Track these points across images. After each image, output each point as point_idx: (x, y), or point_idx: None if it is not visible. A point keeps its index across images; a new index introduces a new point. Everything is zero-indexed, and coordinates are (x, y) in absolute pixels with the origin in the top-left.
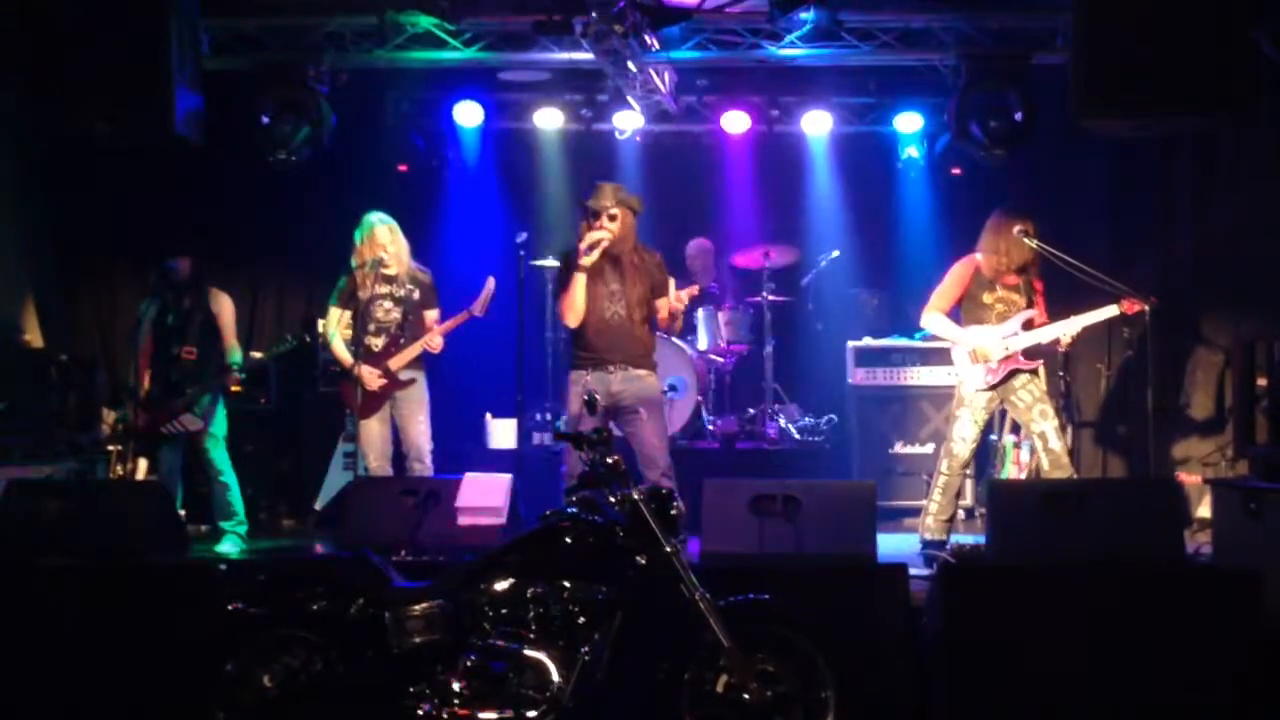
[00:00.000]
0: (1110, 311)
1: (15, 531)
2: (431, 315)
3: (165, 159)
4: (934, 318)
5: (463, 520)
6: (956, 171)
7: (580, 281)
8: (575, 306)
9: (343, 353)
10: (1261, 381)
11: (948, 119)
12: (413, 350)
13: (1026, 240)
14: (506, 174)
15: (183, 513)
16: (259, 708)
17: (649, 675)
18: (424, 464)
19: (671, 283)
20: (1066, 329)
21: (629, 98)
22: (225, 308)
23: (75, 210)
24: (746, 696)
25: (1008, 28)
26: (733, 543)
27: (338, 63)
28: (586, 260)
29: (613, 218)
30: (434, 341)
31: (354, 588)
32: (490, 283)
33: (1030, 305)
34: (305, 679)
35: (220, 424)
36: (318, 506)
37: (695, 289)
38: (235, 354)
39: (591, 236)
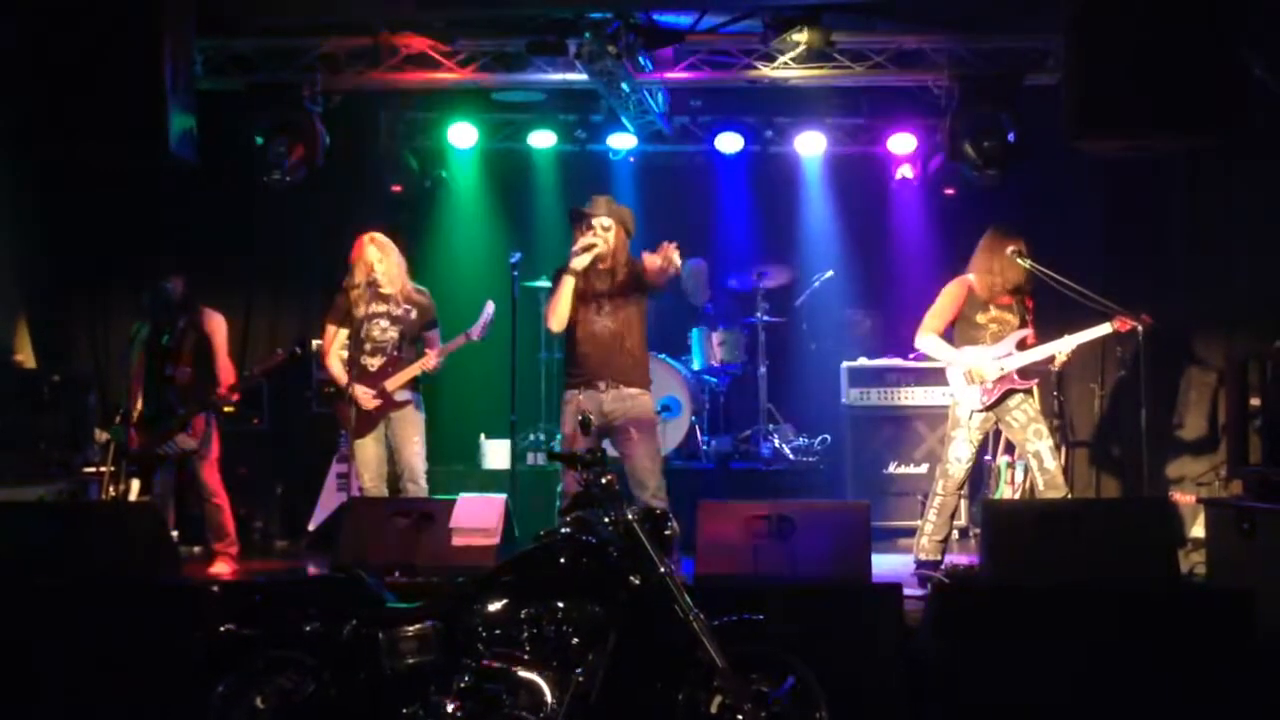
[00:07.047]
0: (1103, 329)
1: (7, 552)
2: (432, 336)
3: (159, 179)
4: (928, 339)
5: (457, 541)
6: (950, 192)
7: (568, 285)
8: (559, 311)
9: (338, 372)
10: (1255, 401)
11: (941, 139)
12: (409, 371)
13: (1019, 260)
14: (500, 195)
15: (175, 534)
16: None
17: (643, 696)
18: (418, 485)
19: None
20: (1060, 347)
21: (623, 118)
22: (218, 328)
23: (69, 230)
24: (740, 717)
25: (1000, 49)
26: (727, 563)
27: (332, 83)
28: (577, 262)
29: (605, 228)
30: (430, 363)
31: (347, 609)
32: (489, 307)
33: (1024, 324)
34: (298, 700)
35: (213, 444)
36: (311, 527)
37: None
38: (228, 376)
39: (584, 240)
